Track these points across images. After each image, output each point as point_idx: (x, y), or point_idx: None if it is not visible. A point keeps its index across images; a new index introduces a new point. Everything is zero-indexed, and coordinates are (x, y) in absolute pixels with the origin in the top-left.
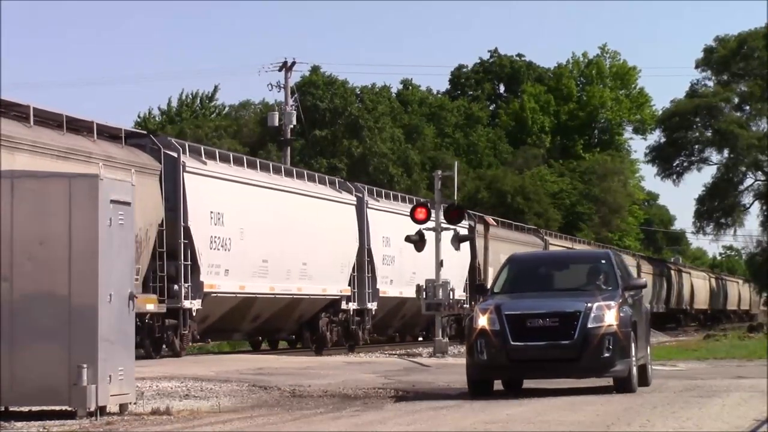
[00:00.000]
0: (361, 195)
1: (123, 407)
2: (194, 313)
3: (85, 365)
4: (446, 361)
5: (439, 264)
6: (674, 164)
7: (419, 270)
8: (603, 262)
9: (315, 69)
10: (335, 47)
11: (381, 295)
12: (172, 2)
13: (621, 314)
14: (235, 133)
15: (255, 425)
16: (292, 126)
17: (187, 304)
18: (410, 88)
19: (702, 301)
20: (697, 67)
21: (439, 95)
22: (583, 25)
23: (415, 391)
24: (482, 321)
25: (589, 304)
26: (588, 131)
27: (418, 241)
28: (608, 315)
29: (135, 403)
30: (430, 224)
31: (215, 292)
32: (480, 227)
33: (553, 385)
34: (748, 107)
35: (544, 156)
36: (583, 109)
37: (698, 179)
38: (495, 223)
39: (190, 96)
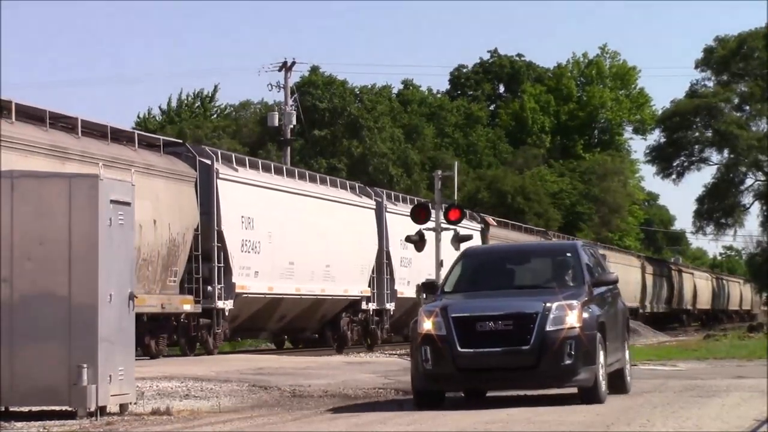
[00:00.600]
0: (380, 199)
1: (123, 407)
2: (227, 313)
3: (85, 365)
4: None
5: (439, 264)
6: (674, 164)
7: (434, 272)
8: (569, 255)
9: (314, 69)
10: (335, 47)
11: (398, 295)
12: (172, 2)
13: (585, 315)
14: (234, 133)
15: (255, 425)
16: (291, 126)
17: (220, 304)
18: (410, 88)
19: (705, 301)
20: (697, 67)
21: (439, 95)
22: (583, 25)
23: None
24: (427, 325)
25: (548, 304)
26: (588, 131)
27: (418, 241)
28: (570, 316)
29: (135, 403)
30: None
31: (246, 293)
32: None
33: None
34: (748, 107)
35: (544, 156)
36: (583, 109)
37: (698, 179)
38: (495, 223)
39: (190, 96)
